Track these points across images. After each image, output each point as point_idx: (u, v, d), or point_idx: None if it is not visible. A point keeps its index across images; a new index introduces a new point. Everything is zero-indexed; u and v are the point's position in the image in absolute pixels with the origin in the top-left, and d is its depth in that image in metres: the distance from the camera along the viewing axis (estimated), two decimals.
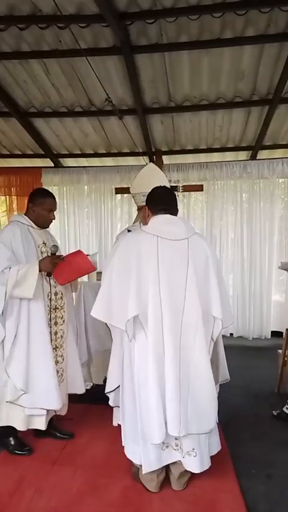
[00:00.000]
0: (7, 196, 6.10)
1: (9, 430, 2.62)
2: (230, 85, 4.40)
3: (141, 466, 2.21)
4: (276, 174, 5.55)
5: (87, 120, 5.09)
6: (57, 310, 2.71)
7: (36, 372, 2.54)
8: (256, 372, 4.24)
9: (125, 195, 5.82)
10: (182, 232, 2.20)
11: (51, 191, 2.82)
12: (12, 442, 2.64)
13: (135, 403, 2.17)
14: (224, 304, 2.23)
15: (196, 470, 2.19)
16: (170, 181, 4.55)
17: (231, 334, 5.74)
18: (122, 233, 3.02)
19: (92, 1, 3.25)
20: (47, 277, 2.61)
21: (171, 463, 2.24)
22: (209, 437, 2.24)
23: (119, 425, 2.90)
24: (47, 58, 4.10)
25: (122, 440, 2.34)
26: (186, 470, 2.22)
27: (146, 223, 2.80)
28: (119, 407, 2.82)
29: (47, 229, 2.82)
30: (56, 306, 2.69)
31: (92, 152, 5.78)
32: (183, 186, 5.24)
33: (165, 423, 2.10)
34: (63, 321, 2.75)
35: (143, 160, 5.51)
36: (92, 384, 3.67)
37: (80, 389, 2.86)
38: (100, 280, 4.00)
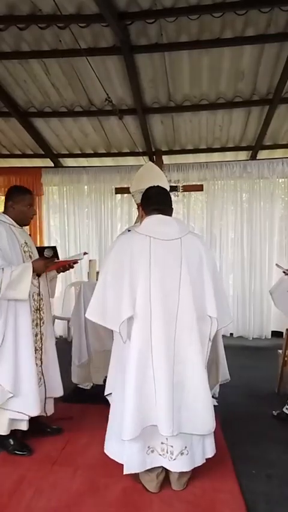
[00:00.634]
0: None
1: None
2: (230, 85, 4.40)
3: (158, 475, 2.21)
4: (276, 174, 5.56)
5: (87, 120, 5.09)
6: (38, 311, 2.67)
7: (22, 375, 2.51)
8: (256, 372, 4.24)
9: (125, 195, 5.82)
10: (174, 232, 2.19)
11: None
12: (12, 443, 2.63)
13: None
14: (220, 304, 2.20)
15: (185, 468, 2.17)
16: (170, 181, 4.55)
17: (231, 334, 5.74)
18: (123, 234, 3.01)
19: (92, 1, 3.25)
20: (35, 277, 2.58)
21: None
22: (204, 438, 2.22)
23: None
24: (47, 58, 4.10)
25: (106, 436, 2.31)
26: (186, 471, 2.21)
27: None
28: None
29: (25, 230, 2.79)
30: (37, 306, 2.67)
31: (92, 152, 5.79)
32: (183, 186, 5.24)
33: (157, 423, 2.09)
34: (43, 323, 2.71)
35: (143, 160, 5.51)
36: (92, 384, 3.67)
37: (59, 392, 2.81)
38: None
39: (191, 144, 5.52)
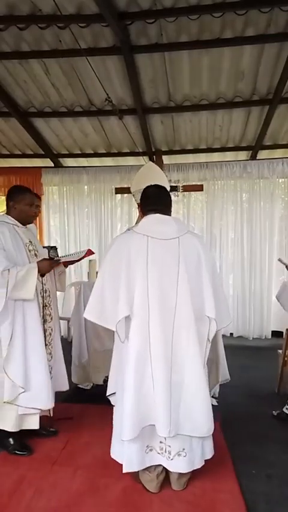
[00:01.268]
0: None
1: (8, 431, 2.62)
2: (230, 85, 4.40)
3: (158, 476, 2.21)
4: (276, 174, 5.56)
5: (87, 120, 5.09)
6: (46, 307, 2.72)
7: (33, 369, 2.55)
8: (256, 372, 4.24)
9: (125, 195, 5.82)
10: (172, 231, 2.19)
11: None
12: (12, 442, 2.63)
13: None
14: (218, 304, 2.18)
15: (183, 470, 2.17)
16: (170, 181, 4.55)
17: (231, 334, 5.74)
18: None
19: (92, 1, 3.25)
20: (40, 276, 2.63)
21: None
22: (203, 440, 2.21)
23: None
24: (47, 58, 4.10)
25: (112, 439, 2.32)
26: (186, 472, 2.20)
27: None
28: None
29: (29, 229, 2.83)
30: (45, 303, 2.71)
31: (92, 152, 5.78)
32: (183, 186, 5.24)
33: (155, 424, 2.09)
34: (51, 319, 2.76)
35: (143, 160, 5.50)
36: (92, 384, 3.67)
37: (64, 386, 2.87)
38: None
39: (191, 144, 5.51)
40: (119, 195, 5.91)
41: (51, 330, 2.76)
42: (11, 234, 2.58)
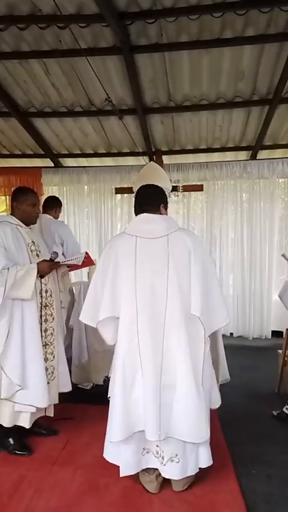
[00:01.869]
0: (7, 196, 6.09)
1: (8, 430, 2.62)
2: (230, 85, 4.39)
3: (158, 476, 2.20)
4: (276, 174, 5.55)
5: (87, 120, 5.09)
6: (47, 307, 2.73)
7: (29, 368, 2.56)
8: (256, 372, 4.24)
9: (125, 195, 5.82)
10: (161, 230, 2.17)
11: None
12: (12, 442, 2.64)
13: None
14: (210, 302, 2.10)
15: (176, 476, 2.14)
16: (170, 181, 4.55)
17: (231, 334, 5.74)
18: None
19: (92, 1, 3.24)
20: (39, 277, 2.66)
21: None
22: (198, 447, 2.16)
23: None
24: (47, 58, 4.10)
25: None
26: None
27: None
28: None
29: (33, 229, 2.87)
30: (46, 303, 2.72)
31: (92, 152, 5.78)
32: (183, 186, 5.25)
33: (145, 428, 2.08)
34: (53, 319, 2.77)
35: (143, 160, 5.50)
36: (92, 384, 3.67)
37: (67, 387, 2.87)
38: None
39: (191, 144, 5.51)
40: (119, 195, 5.91)
41: (53, 330, 2.76)
42: (13, 233, 2.62)
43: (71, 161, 6.00)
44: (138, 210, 2.29)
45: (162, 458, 2.15)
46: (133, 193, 5.69)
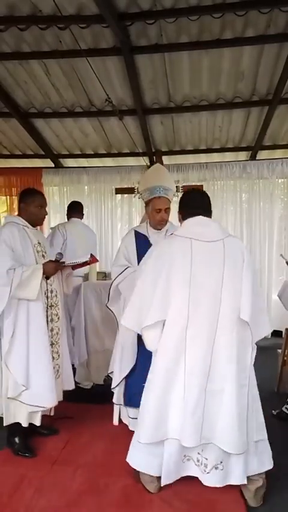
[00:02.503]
0: (7, 197, 6.10)
1: (16, 429, 2.64)
2: (229, 85, 4.40)
3: (159, 477, 2.18)
4: (275, 174, 5.56)
5: (87, 121, 5.10)
6: (52, 307, 2.74)
7: (36, 368, 2.57)
8: (256, 371, 4.22)
9: (125, 195, 5.83)
10: (217, 234, 2.14)
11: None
12: (18, 441, 2.64)
13: None
14: (256, 310, 2.08)
15: (219, 484, 2.10)
16: None
17: None
18: (128, 234, 3.00)
19: (92, 2, 3.25)
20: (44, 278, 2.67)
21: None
22: (248, 454, 2.11)
23: (119, 424, 2.90)
24: (47, 59, 4.11)
25: (130, 449, 2.26)
26: (262, 485, 2.16)
27: (156, 223, 2.80)
28: (121, 405, 2.82)
29: (39, 230, 2.91)
30: (51, 303, 2.74)
31: (92, 152, 5.79)
32: (183, 187, 5.25)
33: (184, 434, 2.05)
34: (58, 318, 2.79)
35: (143, 160, 5.51)
36: (92, 384, 3.68)
37: (70, 385, 2.90)
38: (100, 280, 4.03)
39: (191, 145, 5.52)
40: (119, 196, 5.92)
41: (58, 329, 2.79)
42: (20, 234, 2.64)
43: (71, 161, 6.01)
44: (189, 213, 2.22)
45: (205, 466, 2.12)
46: (133, 193, 5.74)
